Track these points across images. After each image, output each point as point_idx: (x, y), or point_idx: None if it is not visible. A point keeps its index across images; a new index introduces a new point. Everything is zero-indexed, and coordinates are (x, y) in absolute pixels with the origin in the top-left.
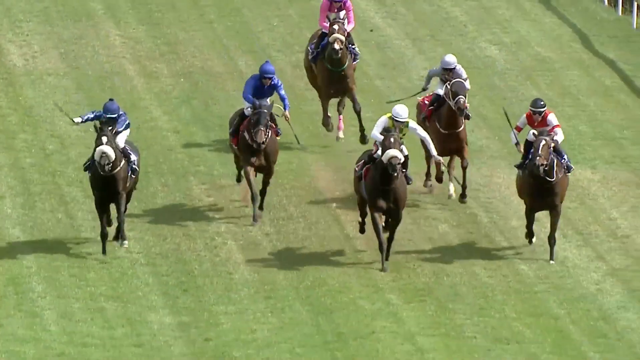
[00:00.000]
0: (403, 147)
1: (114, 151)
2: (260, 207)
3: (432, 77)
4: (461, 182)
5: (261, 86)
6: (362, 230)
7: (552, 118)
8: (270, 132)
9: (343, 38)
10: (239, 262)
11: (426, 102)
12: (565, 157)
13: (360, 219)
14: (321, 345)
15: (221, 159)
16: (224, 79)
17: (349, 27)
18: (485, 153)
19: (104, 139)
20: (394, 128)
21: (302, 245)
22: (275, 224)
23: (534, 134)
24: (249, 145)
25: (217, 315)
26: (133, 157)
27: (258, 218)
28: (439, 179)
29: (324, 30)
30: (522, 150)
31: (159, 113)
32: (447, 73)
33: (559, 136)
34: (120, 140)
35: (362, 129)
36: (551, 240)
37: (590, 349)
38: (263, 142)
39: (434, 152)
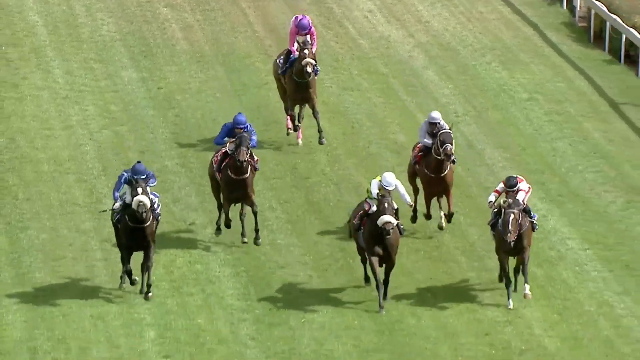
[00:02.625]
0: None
1: (150, 200)
2: (257, 232)
3: (425, 132)
4: (445, 217)
5: (235, 134)
6: (367, 279)
7: (523, 185)
8: (249, 166)
9: (313, 62)
10: (179, 38)
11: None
12: (534, 216)
13: (364, 269)
14: (233, 94)
15: None
16: None
17: (313, 49)
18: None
19: (140, 189)
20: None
21: (223, 29)
22: (200, 9)
23: (503, 204)
24: (232, 180)
25: (165, 72)
26: (156, 204)
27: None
28: (428, 217)
29: (290, 49)
30: (494, 208)
31: None
32: (434, 127)
33: (520, 195)
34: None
35: (320, 130)
36: (523, 271)
37: None
38: (245, 161)
39: (408, 200)
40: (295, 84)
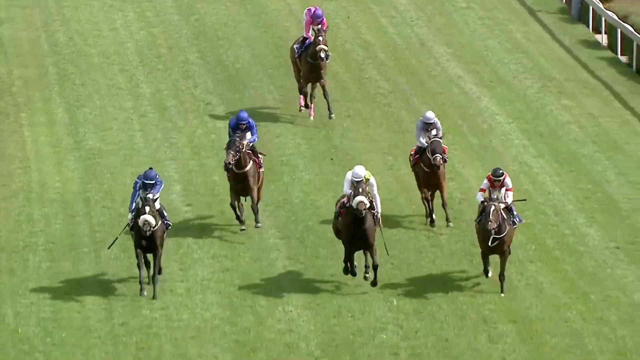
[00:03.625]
0: (371, 193)
1: (154, 217)
2: (257, 220)
3: (420, 130)
4: (445, 213)
5: (239, 128)
6: (352, 273)
7: (508, 181)
8: (250, 159)
9: (326, 48)
10: None
11: (412, 152)
12: (515, 213)
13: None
14: (239, 3)
15: None
16: None
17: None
18: None
19: (147, 209)
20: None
21: None
22: None
23: (485, 199)
24: (235, 174)
25: None
26: (166, 214)
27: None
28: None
29: (305, 36)
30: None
31: None
32: (428, 126)
33: (509, 199)
34: (157, 203)
35: (329, 108)
36: (501, 277)
37: None
38: (230, 163)
39: (379, 209)
40: (309, 65)
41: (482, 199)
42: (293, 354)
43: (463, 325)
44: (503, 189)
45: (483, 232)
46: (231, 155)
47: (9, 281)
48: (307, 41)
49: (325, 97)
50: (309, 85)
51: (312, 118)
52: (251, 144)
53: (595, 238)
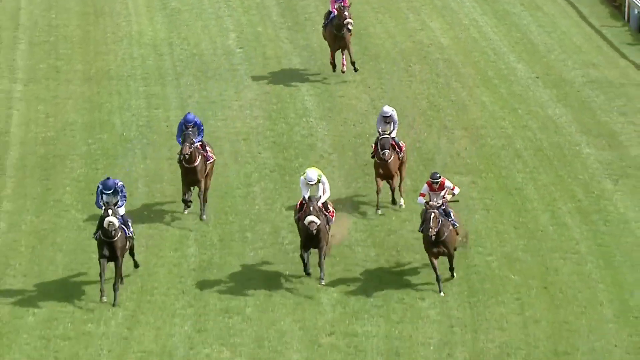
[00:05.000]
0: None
1: (118, 221)
2: (202, 210)
3: (379, 122)
4: (391, 198)
5: (187, 129)
6: (306, 273)
7: (447, 183)
8: (199, 155)
9: (352, 21)
10: None
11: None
12: (452, 217)
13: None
14: None
15: None
16: None
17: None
18: None
19: (110, 211)
20: (315, 193)
21: None
22: None
23: (427, 205)
24: (185, 168)
25: None
26: (129, 223)
27: (190, 206)
28: (378, 191)
29: (330, 10)
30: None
31: None
32: (386, 119)
33: (456, 190)
34: (121, 210)
35: (353, 63)
36: (451, 269)
37: None
38: (187, 154)
39: (323, 200)
40: (334, 35)
41: (424, 203)
42: (313, 151)
43: (430, 131)
44: (442, 192)
45: (427, 239)
46: (187, 147)
47: (117, 100)
48: (331, 14)
49: (351, 63)
50: (337, 52)
51: (344, 68)
52: (198, 142)
53: (522, 70)
